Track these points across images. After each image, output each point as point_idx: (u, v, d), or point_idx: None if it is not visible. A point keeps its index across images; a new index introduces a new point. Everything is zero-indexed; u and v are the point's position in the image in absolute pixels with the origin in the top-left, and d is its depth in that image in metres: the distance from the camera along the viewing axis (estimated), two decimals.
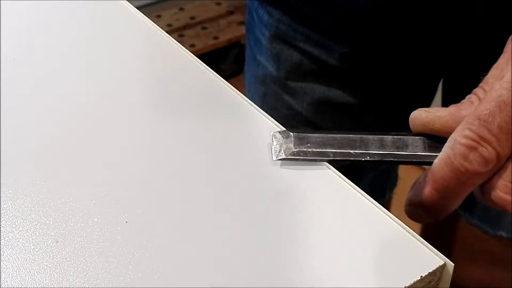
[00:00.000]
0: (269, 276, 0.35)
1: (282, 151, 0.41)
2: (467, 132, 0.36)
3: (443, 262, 0.36)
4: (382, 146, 0.41)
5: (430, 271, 0.35)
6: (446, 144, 0.37)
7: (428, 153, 0.40)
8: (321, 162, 0.41)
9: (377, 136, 0.41)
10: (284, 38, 0.67)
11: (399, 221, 0.38)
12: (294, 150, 0.41)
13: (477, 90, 0.39)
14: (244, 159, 0.42)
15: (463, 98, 0.40)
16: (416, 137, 0.41)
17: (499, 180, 0.36)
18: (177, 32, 1.76)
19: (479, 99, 0.39)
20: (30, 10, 0.55)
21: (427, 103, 0.71)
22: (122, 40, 0.52)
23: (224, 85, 0.47)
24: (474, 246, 0.78)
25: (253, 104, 0.45)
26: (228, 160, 0.42)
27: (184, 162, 0.41)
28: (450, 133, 0.38)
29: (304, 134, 0.41)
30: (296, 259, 0.36)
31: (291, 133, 0.42)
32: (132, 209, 0.38)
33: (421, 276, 0.35)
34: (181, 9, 1.84)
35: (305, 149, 0.41)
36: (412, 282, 0.34)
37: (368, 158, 0.40)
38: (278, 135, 0.42)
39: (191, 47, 1.69)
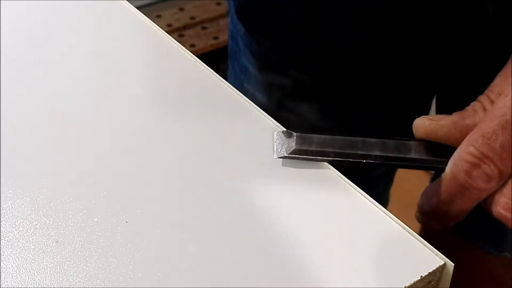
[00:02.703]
0: (269, 276, 0.35)
1: (284, 149, 0.41)
2: (471, 149, 0.37)
3: (443, 262, 0.36)
4: (384, 149, 0.41)
5: (430, 271, 0.35)
6: (451, 159, 0.38)
7: (431, 158, 0.40)
8: (322, 162, 0.41)
9: (380, 139, 0.41)
10: (275, 67, 0.66)
11: (399, 221, 0.38)
12: (295, 148, 0.41)
13: (482, 98, 0.39)
14: (244, 159, 0.42)
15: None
16: (419, 142, 0.41)
17: (501, 197, 0.37)
18: (177, 32, 1.76)
19: (484, 108, 0.39)
20: (30, 10, 0.55)
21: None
22: (122, 40, 0.52)
23: (224, 85, 0.47)
24: (476, 267, 0.77)
25: (253, 104, 0.45)
26: (228, 160, 0.42)
27: (184, 162, 0.41)
28: (453, 141, 0.39)
29: (307, 134, 0.42)
30: (296, 259, 0.36)
31: (294, 133, 0.42)
32: (132, 209, 0.38)
33: (421, 276, 0.35)
34: (181, 9, 1.84)
35: (306, 148, 0.41)
36: (412, 282, 0.34)
37: (369, 160, 0.40)
38: (281, 134, 0.42)
39: (191, 47, 1.69)
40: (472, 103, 0.40)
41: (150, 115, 0.45)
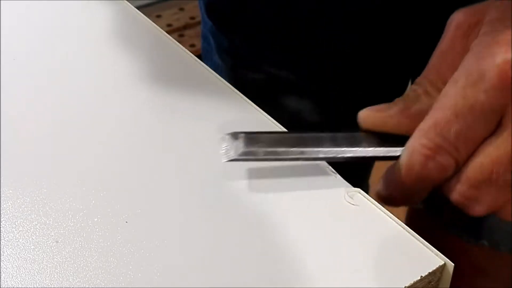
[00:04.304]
0: (269, 276, 0.35)
1: (232, 152, 0.39)
2: (424, 141, 0.36)
3: (443, 262, 0.36)
4: (336, 143, 0.39)
5: (430, 271, 0.35)
6: (405, 150, 0.37)
7: (383, 148, 0.39)
8: (320, 162, 0.41)
9: (330, 134, 0.40)
10: (247, 63, 0.66)
11: (399, 221, 0.38)
12: (244, 150, 0.39)
13: (422, 81, 0.39)
14: None
15: None
16: (368, 133, 0.39)
17: (457, 184, 0.36)
18: (177, 32, 1.76)
19: (426, 91, 0.38)
20: (30, 10, 0.55)
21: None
22: (122, 40, 0.52)
23: (225, 85, 0.47)
24: (457, 258, 0.77)
25: (253, 104, 0.46)
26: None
27: (184, 162, 0.41)
28: (403, 130, 0.38)
29: (255, 134, 0.40)
30: (296, 259, 0.36)
31: (241, 134, 0.40)
32: (132, 209, 0.38)
33: (421, 276, 0.35)
34: (181, 9, 1.84)
35: (255, 149, 0.39)
36: (412, 282, 0.34)
37: (321, 156, 0.39)
38: (227, 137, 0.40)
39: (191, 47, 1.69)
40: (412, 87, 0.39)
41: (150, 115, 0.45)
